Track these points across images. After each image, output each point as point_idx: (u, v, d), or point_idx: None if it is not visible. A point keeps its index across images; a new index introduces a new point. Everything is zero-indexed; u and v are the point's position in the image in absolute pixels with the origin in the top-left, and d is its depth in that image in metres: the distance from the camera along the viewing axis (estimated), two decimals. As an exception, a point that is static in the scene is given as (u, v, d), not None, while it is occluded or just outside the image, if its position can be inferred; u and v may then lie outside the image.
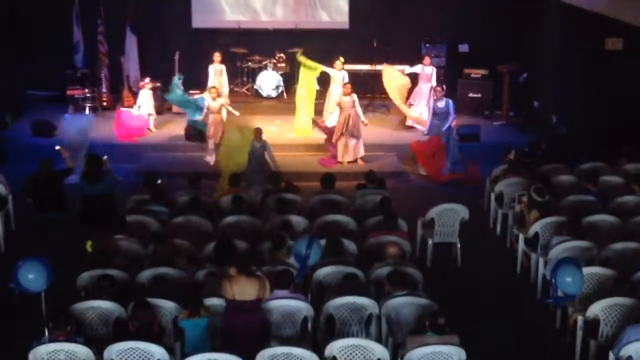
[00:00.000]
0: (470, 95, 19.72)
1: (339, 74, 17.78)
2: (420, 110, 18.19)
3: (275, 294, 9.11)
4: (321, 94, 18.49)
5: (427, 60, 18.64)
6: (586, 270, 9.65)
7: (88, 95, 19.24)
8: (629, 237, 11.20)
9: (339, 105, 16.54)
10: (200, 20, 20.59)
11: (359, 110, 16.61)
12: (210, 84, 17.77)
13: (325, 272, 9.92)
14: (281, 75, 20.08)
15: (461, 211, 12.16)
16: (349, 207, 12.44)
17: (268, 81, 20.00)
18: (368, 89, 19.72)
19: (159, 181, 13.09)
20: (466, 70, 19.92)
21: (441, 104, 16.51)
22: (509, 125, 19.06)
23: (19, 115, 19.03)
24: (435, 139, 16.41)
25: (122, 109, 18.24)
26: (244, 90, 20.32)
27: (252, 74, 20.26)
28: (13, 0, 19.27)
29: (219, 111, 16.32)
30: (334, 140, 16.64)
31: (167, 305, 9.01)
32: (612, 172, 13.87)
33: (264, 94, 20.01)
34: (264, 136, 15.15)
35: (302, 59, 17.73)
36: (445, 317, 8.35)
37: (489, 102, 19.72)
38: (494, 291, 11.49)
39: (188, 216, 11.61)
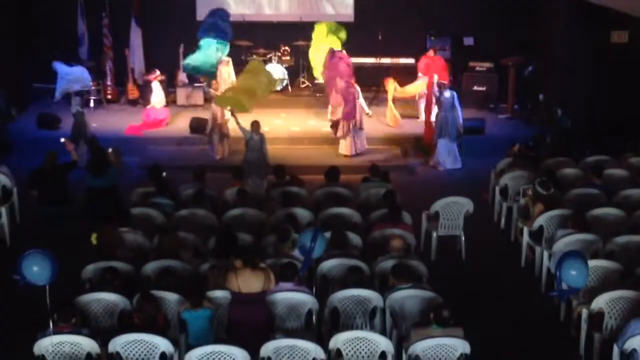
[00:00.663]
0: (475, 88, 19.70)
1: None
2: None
3: (280, 286, 9.13)
4: (325, 87, 18.46)
5: (430, 52, 18.63)
6: (591, 263, 9.63)
7: (93, 88, 19.25)
8: (634, 230, 11.20)
9: (343, 97, 16.51)
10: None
11: (363, 101, 16.62)
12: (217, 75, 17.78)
13: (329, 265, 9.93)
14: (286, 68, 20.06)
15: (466, 204, 12.16)
16: (354, 200, 12.44)
17: (273, 74, 19.95)
18: (373, 81, 19.70)
19: (164, 174, 13.10)
20: (471, 63, 19.90)
21: (446, 94, 16.47)
22: (514, 118, 19.04)
23: (24, 108, 19.05)
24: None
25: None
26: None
27: (257, 67, 20.22)
28: (18, -7, 19.32)
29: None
30: (339, 134, 16.62)
31: (171, 298, 9.04)
32: (616, 166, 13.86)
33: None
34: (266, 130, 15.11)
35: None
36: (449, 310, 8.36)
37: (494, 95, 19.70)
38: (498, 284, 11.50)
39: (193, 209, 11.63)
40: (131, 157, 15.71)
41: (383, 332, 9.05)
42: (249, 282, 8.79)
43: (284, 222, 11.01)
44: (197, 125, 17.28)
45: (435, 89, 16.98)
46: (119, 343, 8.24)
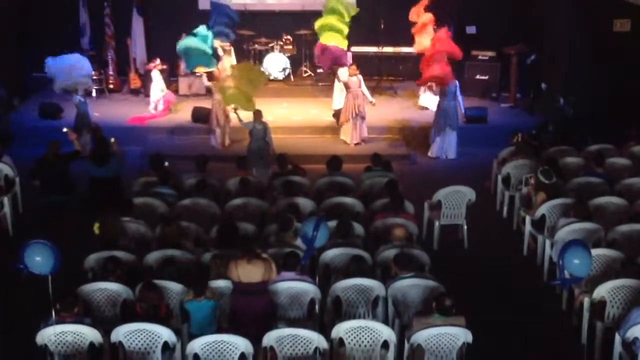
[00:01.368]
0: (478, 77, 19.70)
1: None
2: (429, 96, 18.17)
3: (283, 276, 9.13)
4: (327, 76, 18.45)
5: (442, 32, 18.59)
6: (593, 252, 9.59)
7: (95, 77, 19.24)
8: (636, 219, 11.18)
9: (346, 85, 16.52)
10: (206, 2, 20.43)
11: (366, 90, 16.61)
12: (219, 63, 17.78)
13: (332, 254, 9.94)
14: (288, 57, 20.04)
15: (468, 193, 12.16)
16: (356, 190, 12.44)
17: (275, 63, 19.97)
18: (375, 70, 19.68)
19: (166, 164, 13.10)
20: (473, 52, 19.88)
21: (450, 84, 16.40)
22: (516, 107, 19.04)
23: (26, 98, 19.06)
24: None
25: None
26: (250, 72, 20.28)
27: (259, 56, 20.23)
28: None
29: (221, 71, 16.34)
30: (341, 122, 16.63)
31: (174, 288, 9.05)
32: (619, 154, 13.85)
33: (271, 76, 19.97)
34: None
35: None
36: (451, 299, 8.37)
37: (497, 84, 19.71)
38: (501, 273, 11.50)
39: (195, 199, 11.64)
40: (133, 146, 15.71)
41: (385, 322, 9.05)
42: (248, 271, 8.79)
43: (286, 211, 11.02)
44: (199, 115, 17.28)
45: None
46: (122, 332, 8.25)
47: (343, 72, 16.57)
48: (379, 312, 9.29)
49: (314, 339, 8.16)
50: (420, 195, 12.61)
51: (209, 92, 16.40)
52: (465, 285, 10.55)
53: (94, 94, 19.09)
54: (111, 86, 19.71)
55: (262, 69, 15.34)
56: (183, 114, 17.96)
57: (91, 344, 8.25)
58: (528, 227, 11.89)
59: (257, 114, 14.73)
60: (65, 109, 17.44)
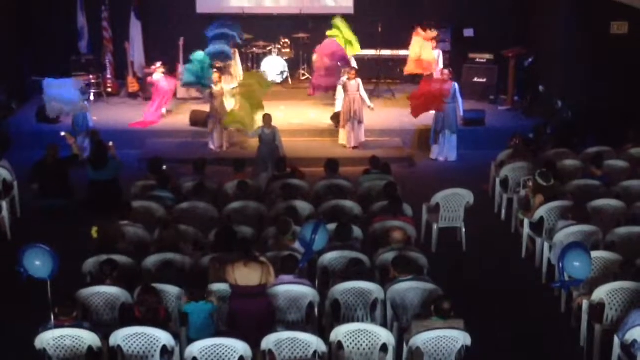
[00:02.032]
0: (476, 79, 19.70)
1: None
2: None
3: (281, 279, 9.13)
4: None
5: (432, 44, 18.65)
6: (591, 254, 9.64)
7: (93, 81, 19.31)
8: (634, 221, 11.21)
9: (345, 89, 16.53)
10: (204, 5, 20.57)
11: (364, 94, 16.62)
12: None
13: (330, 257, 9.94)
14: (286, 60, 20.05)
15: (466, 196, 12.16)
16: (354, 193, 12.44)
17: (273, 67, 19.97)
18: (373, 74, 19.69)
19: (164, 167, 13.10)
20: (471, 55, 19.89)
21: (447, 86, 16.38)
22: (514, 109, 19.04)
23: (24, 101, 19.05)
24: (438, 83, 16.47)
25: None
26: (248, 75, 20.29)
27: (257, 60, 20.24)
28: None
29: (221, 95, 16.31)
30: (340, 126, 16.65)
31: (172, 291, 9.04)
32: (617, 157, 13.85)
33: (269, 79, 19.96)
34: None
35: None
36: (450, 302, 8.37)
37: (494, 87, 19.70)
38: (499, 276, 11.51)
39: (193, 202, 11.63)
40: (131, 150, 15.71)
41: (384, 325, 9.06)
42: (246, 275, 8.78)
43: (284, 214, 11.02)
44: (197, 118, 17.27)
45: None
46: (120, 336, 8.24)
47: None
48: (378, 315, 9.29)
49: (313, 342, 8.15)
50: (418, 198, 12.61)
51: (211, 95, 16.35)
52: (463, 287, 10.57)
53: (92, 97, 19.06)
54: (109, 90, 19.69)
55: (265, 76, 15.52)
56: (181, 117, 17.94)
57: (90, 348, 8.25)
58: (526, 230, 11.89)
59: (267, 118, 14.76)
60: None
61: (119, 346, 8.26)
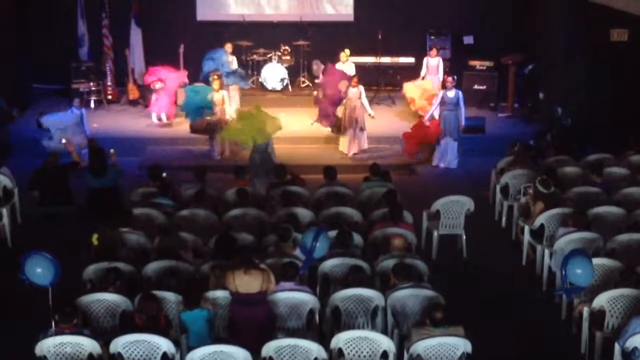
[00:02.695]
0: (476, 87, 19.69)
1: (344, 66, 17.77)
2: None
3: (282, 286, 9.13)
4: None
5: (433, 52, 18.66)
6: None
7: (93, 88, 19.32)
8: (634, 228, 11.21)
9: (345, 95, 16.52)
10: (204, 13, 20.58)
11: (366, 102, 16.63)
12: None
13: (331, 264, 9.94)
14: (286, 68, 20.05)
15: (466, 203, 12.16)
16: (354, 200, 12.45)
17: (273, 74, 19.97)
18: (373, 81, 19.71)
19: (165, 174, 13.10)
20: (471, 62, 19.89)
21: (451, 93, 16.34)
22: (514, 117, 19.06)
23: (25, 109, 19.06)
24: (434, 124, 16.45)
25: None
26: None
27: (257, 67, 20.24)
28: (18, -6, 19.31)
29: (222, 103, 16.32)
30: (341, 132, 16.65)
31: (173, 298, 9.03)
32: (617, 164, 13.85)
33: (269, 86, 19.99)
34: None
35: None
36: (443, 311, 8.38)
37: (494, 94, 19.70)
38: (500, 283, 11.49)
39: (194, 209, 11.63)
40: (132, 157, 15.70)
41: (385, 332, 9.05)
42: (246, 282, 8.77)
43: (285, 221, 11.01)
44: (198, 125, 17.25)
45: (441, 90, 16.94)
46: (121, 343, 8.24)
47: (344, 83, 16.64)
48: (378, 322, 9.29)
49: (313, 349, 8.15)
50: (419, 205, 12.61)
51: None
52: (464, 295, 10.56)
53: (92, 104, 19.09)
54: (109, 97, 19.69)
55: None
56: (182, 124, 17.93)
57: (90, 355, 8.24)
58: (527, 237, 11.89)
59: None
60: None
61: (119, 353, 8.26)
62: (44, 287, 8.14)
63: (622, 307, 9.22)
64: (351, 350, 8.31)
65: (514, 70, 19.17)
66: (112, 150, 13.39)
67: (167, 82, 18.08)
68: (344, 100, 16.51)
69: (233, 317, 8.92)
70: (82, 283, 9.74)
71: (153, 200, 11.99)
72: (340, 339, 8.35)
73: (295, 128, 17.91)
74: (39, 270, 8.13)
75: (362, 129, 16.60)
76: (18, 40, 19.41)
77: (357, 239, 10.74)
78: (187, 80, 18.40)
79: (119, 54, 19.55)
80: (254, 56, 20.11)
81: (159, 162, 14.20)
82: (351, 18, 20.69)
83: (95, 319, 9.06)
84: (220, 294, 9.05)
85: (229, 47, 18.30)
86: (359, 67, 18.55)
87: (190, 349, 8.44)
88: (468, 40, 20.29)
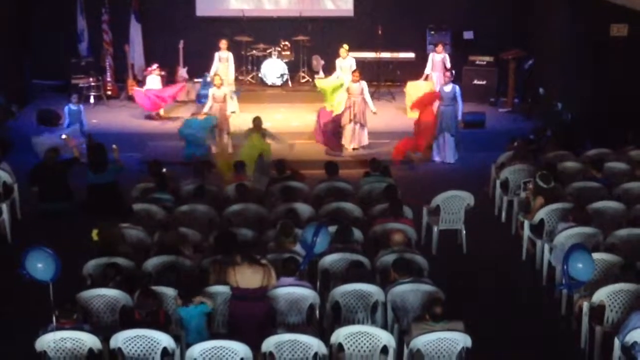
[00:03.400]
0: (476, 82, 19.71)
1: (345, 61, 17.79)
2: None
3: (282, 281, 9.13)
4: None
5: (439, 47, 18.68)
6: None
7: (93, 84, 19.34)
8: (634, 223, 11.20)
9: (347, 91, 16.54)
10: (204, 8, 20.59)
11: (368, 98, 16.60)
12: (214, 70, 17.87)
13: (331, 259, 9.94)
14: (286, 63, 20.05)
15: (466, 198, 12.16)
16: (354, 195, 12.45)
17: (273, 69, 19.97)
18: (373, 76, 19.70)
19: (164, 170, 13.10)
20: (471, 57, 19.91)
21: (447, 88, 16.33)
22: (514, 112, 19.06)
23: (24, 104, 19.06)
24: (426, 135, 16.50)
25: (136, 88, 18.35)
26: (248, 78, 20.33)
27: (257, 62, 20.25)
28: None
29: (223, 100, 16.32)
30: (342, 125, 16.62)
31: (172, 294, 9.02)
32: (617, 159, 13.85)
33: (269, 82, 20.00)
34: (268, 125, 15.10)
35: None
36: (442, 306, 8.38)
37: (494, 89, 19.72)
38: (499, 278, 11.50)
39: (193, 205, 11.63)
40: (131, 152, 15.70)
41: (385, 327, 9.06)
42: (246, 277, 8.78)
43: (285, 217, 11.01)
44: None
45: (439, 84, 16.95)
46: (121, 339, 8.24)
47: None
48: (378, 317, 9.29)
49: (314, 344, 8.15)
50: (418, 200, 12.61)
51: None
52: (464, 289, 10.57)
53: (91, 100, 19.10)
54: (109, 93, 19.70)
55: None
56: (181, 120, 17.91)
57: (90, 350, 8.24)
58: (527, 232, 11.89)
59: (257, 122, 14.74)
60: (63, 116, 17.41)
61: (119, 348, 8.26)
62: (45, 282, 8.14)
63: (621, 301, 9.22)
64: (351, 345, 8.32)
65: (514, 66, 19.18)
66: (114, 146, 13.40)
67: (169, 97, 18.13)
68: (346, 98, 16.53)
69: (233, 312, 8.92)
70: (82, 278, 9.75)
71: (152, 195, 11.99)
72: (340, 334, 8.35)
73: (295, 123, 17.90)
74: (40, 266, 8.12)
75: (362, 126, 16.59)
76: (18, 36, 19.42)
77: (357, 234, 10.74)
78: (186, 76, 18.40)
79: (119, 50, 19.55)
80: (254, 52, 20.12)
81: (160, 158, 14.17)
82: (351, 13, 20.71)
83: (96, 315, 9.06)
84: (220, 289, 9.05)
85: (224, 43, 18.30)
86: (358, 62, 18.54)
87: (189, 345, 8.44)
88: (468, 35, 20.31)
